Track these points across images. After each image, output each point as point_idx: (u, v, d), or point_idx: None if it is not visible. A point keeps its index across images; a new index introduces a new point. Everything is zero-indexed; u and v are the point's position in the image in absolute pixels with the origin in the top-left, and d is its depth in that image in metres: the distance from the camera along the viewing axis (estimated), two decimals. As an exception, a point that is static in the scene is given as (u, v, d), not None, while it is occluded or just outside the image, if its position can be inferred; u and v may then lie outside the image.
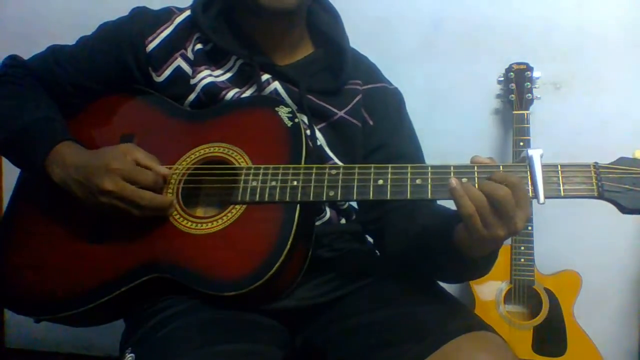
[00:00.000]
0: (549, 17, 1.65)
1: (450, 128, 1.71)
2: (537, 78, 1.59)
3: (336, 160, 1.07)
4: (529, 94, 1.58)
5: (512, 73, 1.60)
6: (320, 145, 1.06)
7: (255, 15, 1.04)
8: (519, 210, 0.75)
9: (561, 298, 1.56)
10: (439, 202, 0.94)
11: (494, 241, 0.79)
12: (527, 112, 1.58)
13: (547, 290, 1.57)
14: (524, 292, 1.59)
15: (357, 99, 1.10)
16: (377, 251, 1.15)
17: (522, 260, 1.56)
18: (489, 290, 1.59)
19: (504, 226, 0.76)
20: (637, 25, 1.63)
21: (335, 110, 1.08)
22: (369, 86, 1.13)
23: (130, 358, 0.84)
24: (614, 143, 1.53)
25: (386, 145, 1.10)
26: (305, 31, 1.13)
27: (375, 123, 1.11)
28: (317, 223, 1.06)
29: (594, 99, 1.66)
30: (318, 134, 1.07)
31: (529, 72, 1.59)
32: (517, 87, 1.59)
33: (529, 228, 1.55)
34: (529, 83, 1.58)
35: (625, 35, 1.63)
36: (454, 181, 0.78)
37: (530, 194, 0.79)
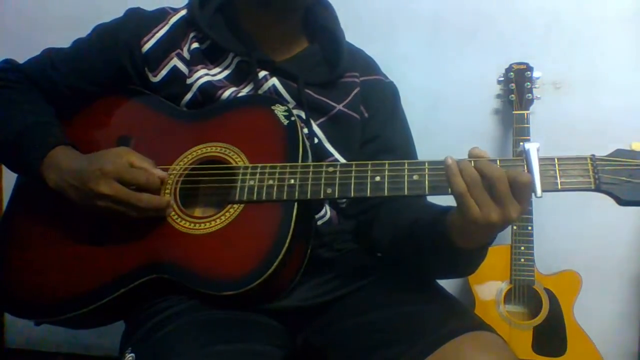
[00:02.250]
0: (549, 17, 1.65)
1: (450, 128, 1.70)
2: (537, 78, 1.59)
3: (337, 155, 1.08)
4: (529, 94, 1.58)
5: (512, 73, 1.60)
6: (320, 142, 1.07)
7: (260, 4, 1.04)
8: (514, 199, 0.75)
9: (561, 298, 1.56)
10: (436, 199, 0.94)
11: (487, 226, 0.77)
12: (527, 112, 1.57)
13: (547, 290, 1.56)
14: (524, 292, 1.58)
15: (355, 91, 1.11)
16: (365, 244, 1.13)
17: (522, 260, 1.55)
18: (489, 290, 1.59)
19: (497, 210, 0.75)
20: (637, 25, 1.62)
21: (334, 104, 1.08)
22: (366, 78, 1.14)
23: (130, 358, 0.84)
24: (615, 143, 1.52)
25: (378, 137, 1.11)
26: (300, 25, 1.13)
27: (370, 115, 1.12)
28: (318, 223, 1.06)
29: (594, 99, 1.65)
30: (317, 130, 1.07)
31: (529, 72, 1.59)
32: (517, 87, 1.59)
33: (529, 228, 1.55)
34: (529, 83, 1.58)
35: (625, 34, 1.63)
36: (449, 159, 0.79)
37: None
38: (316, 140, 1.06)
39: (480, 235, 0.82)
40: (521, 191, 0.75)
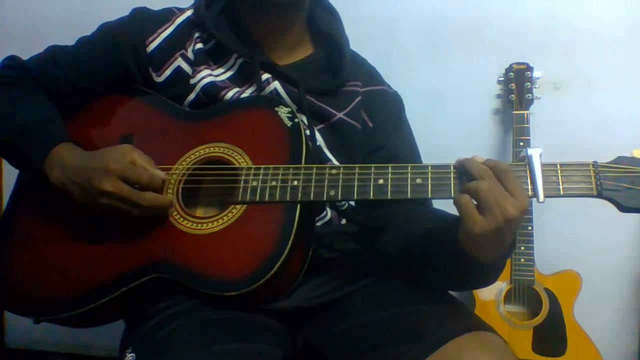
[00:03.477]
0: (549, 17, 1.66)
1: (451, 128, 1.71)
2: (537, 78, 1.59)
3: (334, 161, 1.07)
4: (529, 94, 1.58)
5: (512, 73, 1.60)
6: (319, 146, 1.07)
7: (256, 9, 1.05)
8: (508, 195, 0.75)
9: (561, 298, 1.56)
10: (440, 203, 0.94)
11: (506, 223, 0.75)
12: (527, 112, 1.58)
13: (547, 290, 1.57)
14: (524, 292, 1.59)
15: (356, 100, 1.10)
16: (372, 252, 1.11)
17: (522, 260, 1.56)
18: (489, 290, 1.59)
19: (512, 201, 0.75)
20: (637, 25, 1.63)
21: (335, 112, 1.08)
22: (369, 88, 1.13)
23: (130, 358, 0.84)
24: (614, 143, 1.53)
25: (383, 148, 1.11)
26: (305, 31, 1.13)
27: (374, 125, 1.11)
28: (318, 223, 1.06)
29: (594, 99, 1.66)
30: (317, 135, 1.07)
31: (529, 72, 1.59)
32: (517, 87, 1.59)
33: (529, 228, 1.55)
34: (529, 83, 1.59)
35: (626, 35, 1.63)
36: (460, 198, 0.78)
37: (530, 193, 0.80)
38: (318, 143, 1.06)
39: (492, 247, 0.80)
40: (508, 186, 0.75)
